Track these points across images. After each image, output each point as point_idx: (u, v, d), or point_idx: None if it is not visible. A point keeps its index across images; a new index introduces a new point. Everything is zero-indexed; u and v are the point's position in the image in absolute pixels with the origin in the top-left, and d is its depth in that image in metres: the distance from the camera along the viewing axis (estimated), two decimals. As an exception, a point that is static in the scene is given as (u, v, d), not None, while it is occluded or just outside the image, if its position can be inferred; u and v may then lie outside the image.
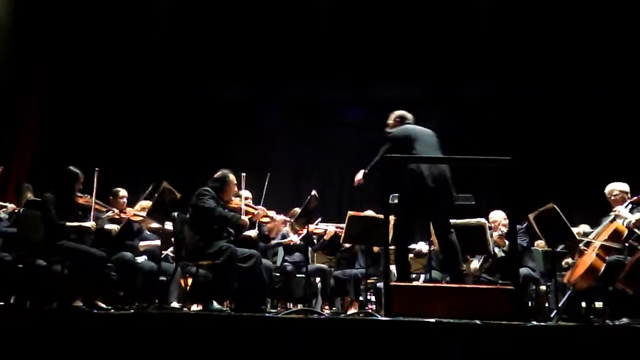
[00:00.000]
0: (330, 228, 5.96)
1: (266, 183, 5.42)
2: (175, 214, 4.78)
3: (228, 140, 8.34)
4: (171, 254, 5.33)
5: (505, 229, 5.54)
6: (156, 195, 4.80)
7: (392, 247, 4.17)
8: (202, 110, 8.41)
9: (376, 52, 7.71)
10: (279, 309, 5.44)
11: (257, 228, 5.08)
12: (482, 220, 5.32)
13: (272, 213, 5.41)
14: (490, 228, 5.44)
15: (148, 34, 7.58)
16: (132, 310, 4.38)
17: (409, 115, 4.58)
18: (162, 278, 5.03)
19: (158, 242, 5.09)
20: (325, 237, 6.04)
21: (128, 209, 5.22)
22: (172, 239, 5.02)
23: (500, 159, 3.83)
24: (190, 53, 7.83)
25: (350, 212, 5.30)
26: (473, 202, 4.41)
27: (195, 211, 4.54)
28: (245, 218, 4.75)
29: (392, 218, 5.30)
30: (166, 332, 3.11)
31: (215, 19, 7.54)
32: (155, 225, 5.18)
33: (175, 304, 4.97)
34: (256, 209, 5.03)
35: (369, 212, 5.42)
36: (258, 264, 4.47)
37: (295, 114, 8.64)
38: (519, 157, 3.80)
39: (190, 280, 5.27)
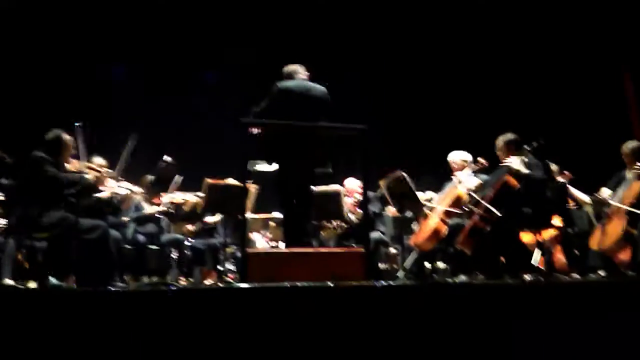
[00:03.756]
0: (189, 197, 5.73)
1: (127, 150, 4.95)
2: (5, 181, 4.25)
3: (70, 100, 7.53)
4: (2, 226, 4.76)
5: (359, 197, 5.75)
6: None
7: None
8: (43, 68, 7.52)
9: (230, 16, 7.50)
10: (129, 283, 5.13)
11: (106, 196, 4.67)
12: (339, 187, 5.48)
13: (126, 184, 5.04)
14: (345, 195, 5.62)
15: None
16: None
17: (301, 70, 4.35)
18: (-8, 253, 4.50)
19: None
20: (184, 207, 5.81)
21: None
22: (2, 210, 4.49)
23: (353, 127, 3.91)
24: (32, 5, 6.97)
25: (208, 180, 5.12)
26: (330, 171, 4.50)
27: (32, 179, 4.04)
28: (89, 176, 4.29)
29: (251, 186, 5.28)
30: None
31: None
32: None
33: (8, 281, 4.47)
34: (100, 170, 4.54)
35: (230, 180, 5.27)
36: (105, 236, 4.15)
37: (150, 76, 8.11)
38: (371, 125, 3.90)
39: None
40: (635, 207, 4.45)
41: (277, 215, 6.08)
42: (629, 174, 4.74)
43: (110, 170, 4.72)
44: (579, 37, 7.45)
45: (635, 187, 4.57)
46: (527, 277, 4.13)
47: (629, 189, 4.61)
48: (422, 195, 5.20)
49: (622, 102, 7.41)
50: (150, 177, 5.53)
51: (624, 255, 4.51)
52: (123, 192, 4.85)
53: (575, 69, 7.58)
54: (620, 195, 4.65)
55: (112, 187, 4.68)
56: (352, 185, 5.91)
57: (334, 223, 5.78)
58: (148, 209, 5.74)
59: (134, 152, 4.82)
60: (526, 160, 4.58)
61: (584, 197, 5.36)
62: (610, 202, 4.69)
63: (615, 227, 4.52)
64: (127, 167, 4.77)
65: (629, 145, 4.83)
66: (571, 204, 5.47)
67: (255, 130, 4.21)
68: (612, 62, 7.47)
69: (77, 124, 4.36)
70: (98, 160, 4.87)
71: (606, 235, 4.55)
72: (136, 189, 5.36)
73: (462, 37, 7.78)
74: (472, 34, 7.74)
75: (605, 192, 4.86)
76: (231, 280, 5.28)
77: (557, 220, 4.82)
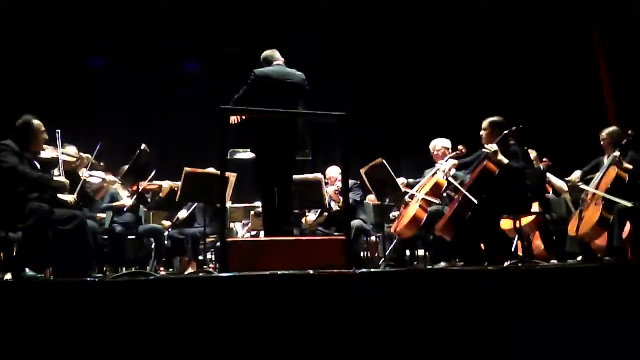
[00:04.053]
0: (165, 184, 5.67)
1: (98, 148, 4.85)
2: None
3: (48, 90, 7.35)
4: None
5: (340, 185, 5.74)
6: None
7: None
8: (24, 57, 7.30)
9: (217, 7, 7.40)
10: (108, 273, 5.07)
11: (80, 187, 4.56)
12: (319, 175, 5.47)
13: (99, 173, 4.97)
14: (326, 184, 5.61)
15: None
16: None
17: (278, 56, 4.34)
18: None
19: None
20: (161, 195, 5.74)
21: None
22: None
23: (333, 114, 3.88)
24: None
25: (186, 169, 5.07)
26: (310, 158, 4.47)
27: None
28: (62, 179, 4.13)
29: (230, 175, 5.23)
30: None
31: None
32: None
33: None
34: (78, 157, 4.43)
35: (211, 170, 5.23)
36: (82, 226, 4.06)
37: (130, 65, 7.95)
38: (352, 112, 3.87)
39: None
40: (612, 193, 4.50)
41: (259, 204, 6.04)
42: (606, 160, 4.79)
43: (87, 155, 4.64)
44: (556, 25, 7.50)
45: (611, 173, 4.62)
46: (507, 263, 4.16)
47: (606, 175, 4.66)
48: (401, 180, 5.20)
49: (598, 88, 7.47)
50: (126, 167, 5.45)
51: (601, 241, 4.57)
52: (96, 181, 4.77)
53: (551, 57, 7.64)
54: (597, 182, 4.70)
55: (86, 177, 4.60)
56: (334, 174, 5.90)
57: (314, 217, 5.79)
58: (125, 198, 5.66)
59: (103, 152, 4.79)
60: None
61: (562, 185, 5.41)
62: (586, 188, 4.73)
63: (592, 214, 4.57)
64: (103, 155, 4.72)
65: (607, 130, 4.88)
66: (550, 191, 5.52)
67: (234, 119, 4.17)
68: (588, 47, 7.54)
69: (58, 130, 4.27)
70: (72, 149, 4.78)
71: (583, 222, 4.60)
72: (110, 178, 5.28)
73: (440, 27, 7.79)
74: (452, 24, 7.76)
75: (576, 175, 4.92)
76: (211, 270, 5.24)
77: (535, 207, 4.86)
